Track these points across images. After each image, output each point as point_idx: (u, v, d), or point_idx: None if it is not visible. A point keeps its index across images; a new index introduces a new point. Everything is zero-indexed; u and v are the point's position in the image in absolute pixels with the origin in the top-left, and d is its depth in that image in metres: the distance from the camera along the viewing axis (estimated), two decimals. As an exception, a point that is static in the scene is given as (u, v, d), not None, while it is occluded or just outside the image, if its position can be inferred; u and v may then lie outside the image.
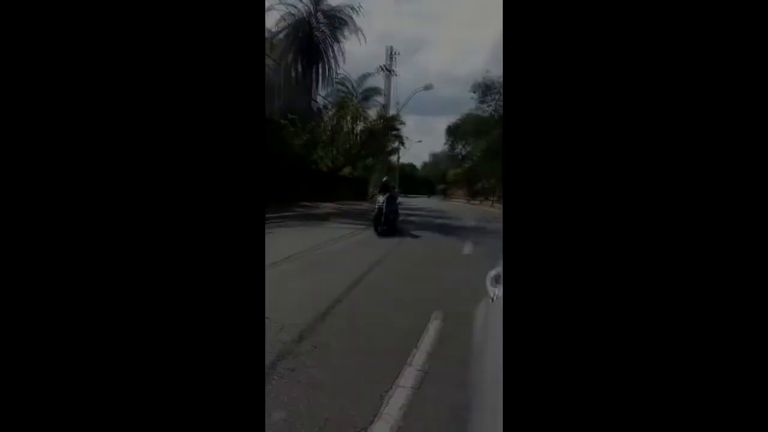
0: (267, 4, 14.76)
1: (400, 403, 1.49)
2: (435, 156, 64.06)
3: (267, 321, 2.14)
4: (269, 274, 3.52)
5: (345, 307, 2.64)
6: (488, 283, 1.13)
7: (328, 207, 12.25)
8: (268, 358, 1.79)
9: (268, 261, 3.78)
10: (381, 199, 7.43)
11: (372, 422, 1.36)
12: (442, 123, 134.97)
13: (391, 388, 1.59)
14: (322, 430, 1.30)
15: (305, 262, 4.22)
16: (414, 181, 54.95)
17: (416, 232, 7.85)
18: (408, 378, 1.68)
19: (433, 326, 2.30)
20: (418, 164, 63.84)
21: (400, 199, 8.89)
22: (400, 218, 8.61)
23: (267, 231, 6.16)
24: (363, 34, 16.38)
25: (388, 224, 7.35)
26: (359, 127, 16.84)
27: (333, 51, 15.99)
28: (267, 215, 7.60)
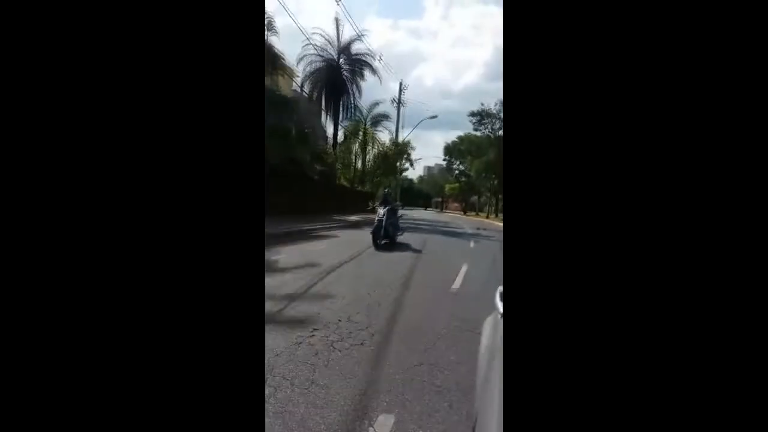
0: (299, 51, 17.91)
1: (460, 281, 4.48)
2: (430, 169, 67.55)
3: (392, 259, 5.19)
4: (372, 250, 6.56)
5: (422, 261, 5.66)
6: (497, 298, 1.08)
7: (353, 218, 15.12)
8: (409, 270, 4.77)
9: (364, 246, 6.73)
10: (381, 211, 7.37)
11: (454, 280, 4.33)
12: (436, 136, 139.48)
13: (454, 279, 4.56)
14: (430, 284, 4.24)
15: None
16: (411, 194, 57.94)
17: (432, 236, 10.71)
18: (458, 279, 4.68)
19: (464, 267, 5.31)
20: (413, 177, 67.10)
21: (401, 212, 9.13)
22: (410, 228, 10.15)
23: (334, 233, 9.06)
24: (380, 75, 19.63)
25: (387, 237, 7.34)
26: (374, 150, 20.11)
27: (353, 88, 19.25)
28: (324, 224, 10.38)
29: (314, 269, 4.52)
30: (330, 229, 10.12)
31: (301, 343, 2.30)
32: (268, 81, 12.20)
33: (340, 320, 2.76)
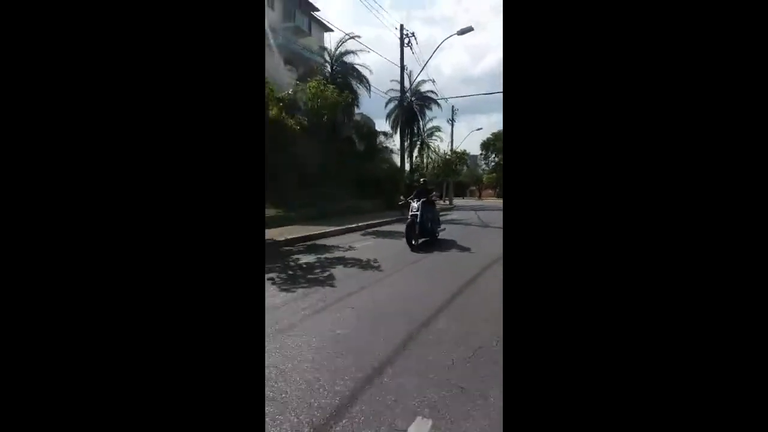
0: (385, 89, 26.04)
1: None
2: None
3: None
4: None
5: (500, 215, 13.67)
6: None
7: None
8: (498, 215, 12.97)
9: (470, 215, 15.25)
10: (415, 205, 6.37)
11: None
12: (460, 122, 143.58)
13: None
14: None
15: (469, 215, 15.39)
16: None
17: (486, 213, 18.26)
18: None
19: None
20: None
21: (441, 203, 10.26)
22: (474, 209, 14.55)
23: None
24: (438, 104, 27.72)
25: (426, 234, 6.44)
26: (436, 157, 28.28)
27: (421, 117, 27.46)
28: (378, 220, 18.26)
29: (460, 221, 12.48)
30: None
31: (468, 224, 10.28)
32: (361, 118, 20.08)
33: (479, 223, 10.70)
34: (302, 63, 27.63)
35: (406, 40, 16.02)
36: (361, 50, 20.23)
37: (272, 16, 25.15)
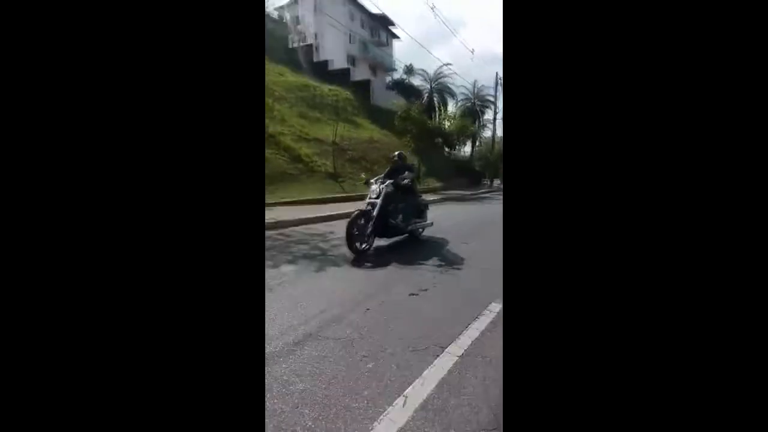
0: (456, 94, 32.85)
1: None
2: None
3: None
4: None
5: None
6: None
7: (495, 184, 30.21)
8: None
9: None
10: (376, 188, 4.23)
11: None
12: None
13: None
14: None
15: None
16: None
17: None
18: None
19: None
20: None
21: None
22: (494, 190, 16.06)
23: (493, 195, 23.73)
24: (495, 106, 34.38)
25: (389, 232, 4.26)
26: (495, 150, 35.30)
27: (481, 116, 34.24)
28: (481, 190, 25.11)
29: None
30: (490, 192, 25.31)
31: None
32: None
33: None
34: (380, 68, 34.78)
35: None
36: (452, 74, 28.77)
37: (363, 34, 32.33)
